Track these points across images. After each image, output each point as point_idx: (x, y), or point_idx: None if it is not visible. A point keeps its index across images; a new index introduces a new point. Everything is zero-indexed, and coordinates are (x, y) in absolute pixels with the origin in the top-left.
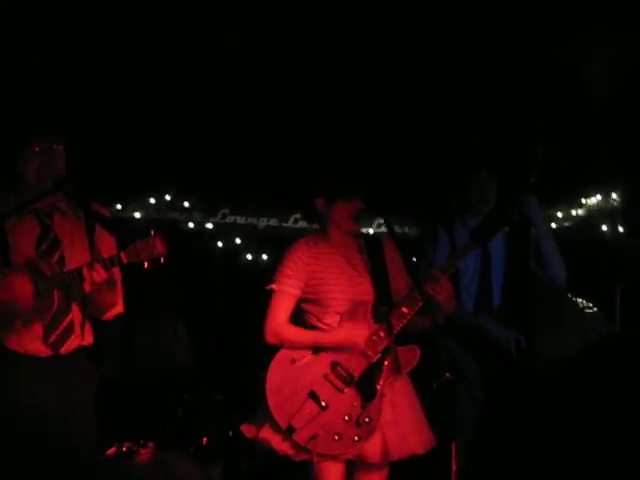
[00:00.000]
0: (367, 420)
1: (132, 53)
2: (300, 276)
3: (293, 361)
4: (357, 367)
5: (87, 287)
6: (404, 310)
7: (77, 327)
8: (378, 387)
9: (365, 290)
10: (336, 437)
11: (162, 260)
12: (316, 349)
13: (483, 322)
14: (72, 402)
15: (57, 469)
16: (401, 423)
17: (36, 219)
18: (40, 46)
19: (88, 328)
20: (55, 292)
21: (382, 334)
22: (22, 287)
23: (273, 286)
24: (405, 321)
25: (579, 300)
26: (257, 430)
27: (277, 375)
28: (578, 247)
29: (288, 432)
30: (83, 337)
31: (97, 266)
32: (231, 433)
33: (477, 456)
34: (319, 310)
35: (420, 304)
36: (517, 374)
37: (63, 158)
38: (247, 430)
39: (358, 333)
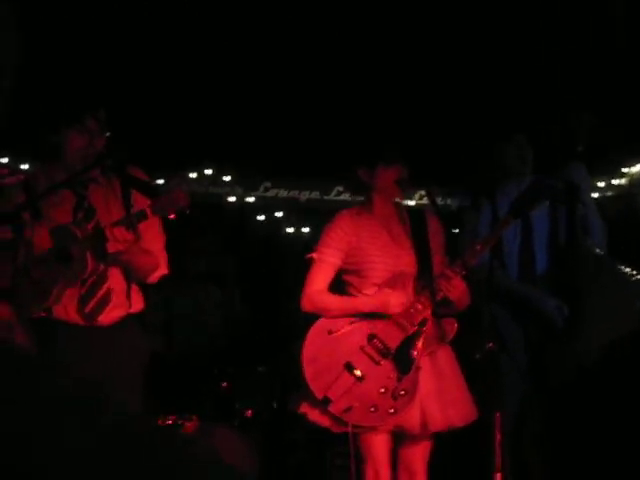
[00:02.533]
0: (403, 393)
1: (172, 34)
2: (341, 246)
3: (330, 332)
4: (394, 339)
5: (111, 247)
6: (442, 282)
7: (118, 296)
8: (414, 359)
9: (405, 262)
10: (372, 409)
11: (187, 212)
12: (353, 321)
13: (527, 289)
14: (114, 373)
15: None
16: (443, 394)
17: (70, 189)
18: (84, 28)
19: (136, 295)
20: (88, 253)
21: (420, 306)
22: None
23: (313, 255)
24: (443, 294)
25: (626, 269)
26: (298, 404)
27: (313, 346)
28: (620, 216)
29: (324, 403)
30: (130, 305)
31: (117, 225)
32: (275, 405)
33: (521, 426)
34: (359, 281)
35: (459, 276)
36: (562, 347)
37: (104, 138)
38: (291, 404)
39: (393, 298)
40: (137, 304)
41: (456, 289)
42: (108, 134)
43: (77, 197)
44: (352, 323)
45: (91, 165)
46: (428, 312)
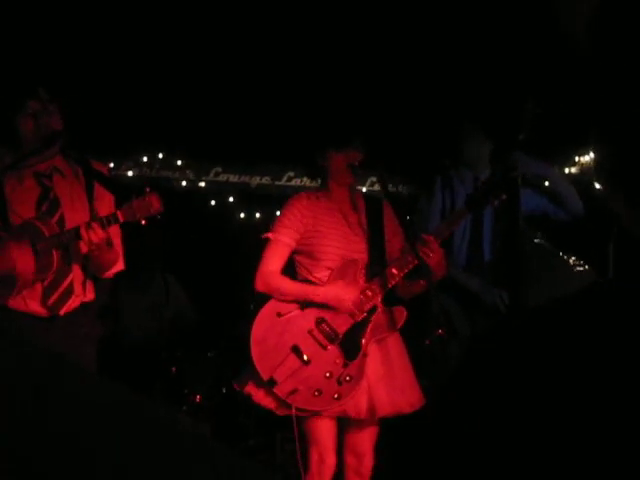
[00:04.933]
0: (348, 378)
1: (123, 11)
2: (296, 227)
3: (279, 314)
4: (342, 325)
5: (84, 247)
6: (394, 271)
7: (78, 287)
8: (361, 346)
9: (358, 249)
10: (316, 393)
11: (159, 217)
12: (303, 304)
13: (470, 282)
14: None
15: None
16: (391, 380)
17: (35, 181)
18: (32, 5)
19: (89, 285)
20: (54, 252)
21: (370, 293)
22: (22, 255)
23: (269, 235)
24: (394, 282)
25: (571, 259)
26: (244, 385)
27: (262, 327)
28: None
29: (269, 385)
30: (85, 294)
31: (95, 225)
32: (224, 390)
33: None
34: (310, 263)
35: (410, 266)
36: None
37: (58, 115)
38: (237, 385)
39: (345, 295)
40: (89, 293)
41: (436, 254)
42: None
43: (42, 188)
44: (302, 306)
45: (47, 142)
46: (378, 299)
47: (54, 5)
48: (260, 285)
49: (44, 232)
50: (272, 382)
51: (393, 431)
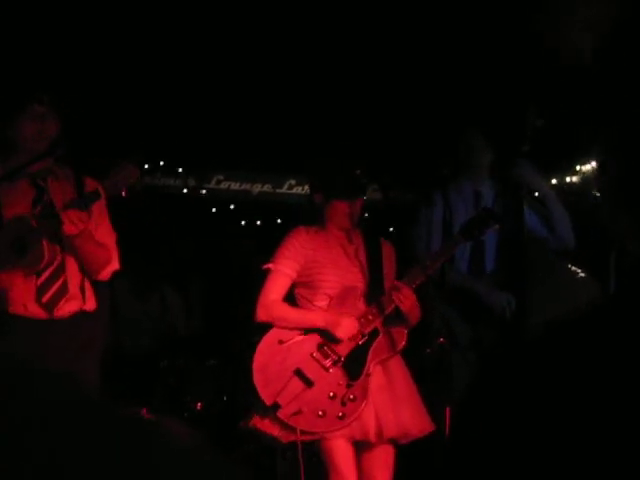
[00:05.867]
0: (352, 397)
1: (124, 17)
2: (297, 258)
3: (281, 342)
4: (344, 347)
5: (67, 229)
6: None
7: (74, 288)
8: (364, 367)
9: (357, 278)
10: (320, 413)
11: (137, 188)
12: (305, 331)
13: (477, 285)
14: (71, 366)
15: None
16: (396, 402)
17: (30, 182)
18: (35, 13)
19: (89, 292)
20: (44, 242)
21: (370, 317)
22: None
23: (270, 265)
24: (393, 305)
25: (572, 267)
26: (248, 419)
27: (264, 355)
28: (572, 214)
29: (273, 409)
30: (84, 301)
31: (71, 207)
32: (225, 398)
33: (471, 421)
34: (310, 292)
35: (412, 286)
36: (511, 338)
37: (57, 122)
38: (243, 423)
39: (345, 322)
40: (90, 301)
41: (407, 299)
42: (61, 118)
43: (36, 190)
44: (304, 333)
45: (46, 152)
46: (378, 322)
47: (53, 13)
48: (262, 315)
49: (33, 225)
50: (275, 406)
51: (407, 459)
